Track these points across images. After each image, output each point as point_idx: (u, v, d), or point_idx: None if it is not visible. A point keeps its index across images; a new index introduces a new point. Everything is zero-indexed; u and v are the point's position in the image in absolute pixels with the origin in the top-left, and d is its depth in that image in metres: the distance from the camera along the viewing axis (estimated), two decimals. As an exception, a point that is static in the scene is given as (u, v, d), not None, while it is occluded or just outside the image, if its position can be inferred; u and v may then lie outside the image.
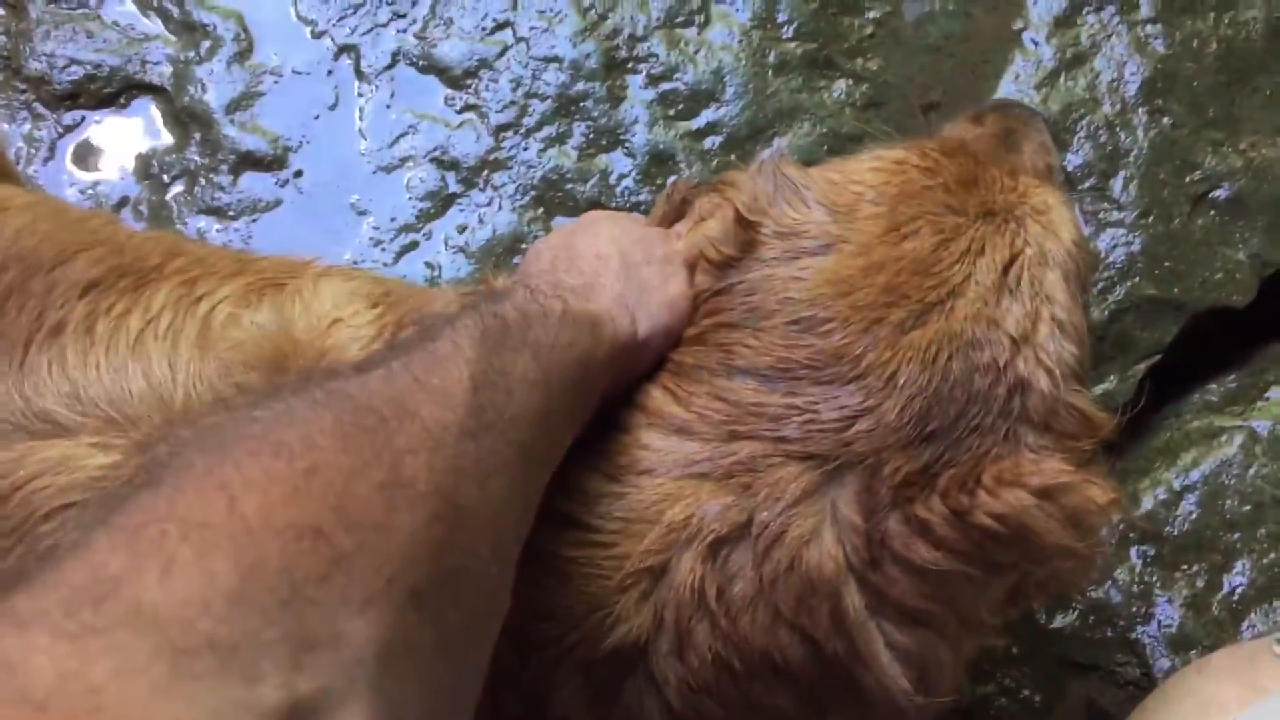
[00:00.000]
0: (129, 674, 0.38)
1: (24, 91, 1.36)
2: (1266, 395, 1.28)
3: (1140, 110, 1.36)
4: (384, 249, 1.33)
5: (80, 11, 1.39)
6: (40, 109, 1.36)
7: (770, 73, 1.39)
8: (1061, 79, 1.38)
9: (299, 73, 1.39)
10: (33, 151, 1.34)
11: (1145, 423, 1.28)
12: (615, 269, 0.77)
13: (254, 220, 1.33)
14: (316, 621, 0.44)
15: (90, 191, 1.33)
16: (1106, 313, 1.28)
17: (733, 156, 1.36)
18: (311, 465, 0.47)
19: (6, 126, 1.32)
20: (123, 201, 1.33)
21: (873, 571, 0.69)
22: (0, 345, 0.72)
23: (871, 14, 1.42)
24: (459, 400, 0.56)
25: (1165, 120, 1.36)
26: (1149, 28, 1.39)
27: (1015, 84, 1.39)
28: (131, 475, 0.55)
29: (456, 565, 0.52)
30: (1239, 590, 1.20)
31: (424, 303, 0.83)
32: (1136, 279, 1.30)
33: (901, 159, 0.80)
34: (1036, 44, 1.40)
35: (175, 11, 1.39)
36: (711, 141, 1.37)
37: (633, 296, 0.76)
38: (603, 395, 0.73)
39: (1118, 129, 1.35)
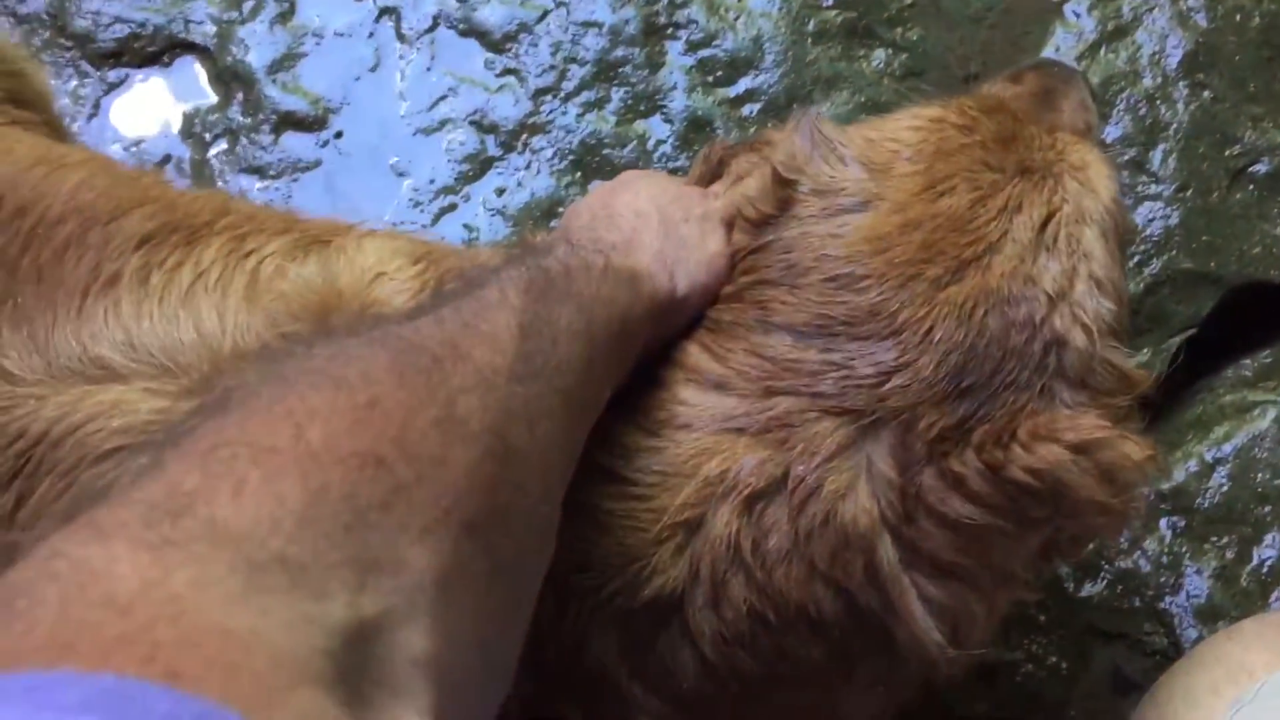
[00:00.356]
0: (207, 584, 0.40)
1: (69, 49, 1.38)
2: (1301, 370, 1.28)
3: (1181, 84, 1.36)
4: (423, 210, 1.34)
5: (125, -29, 1.40)
6: (85, 67, 1.38)
7: (809, 41, 1.39)
8: (1102, 51, 1.38)
9: (340, 34, 1.40)
10: (78, 109, 1.36)
11: (1178, 396, 1.28)
12: (654, 226, 0.78)
13: (294, 180, 1.35)
14: (379, 546, 0.45)
15: (133, 149, 1.35)
16: (1142, 286, 1.28)
17: (771, 124, 1.36)
18: (371, 399, 0.49)
19: (53, 84, 1.34)
20: (165, 159, 1.35)
21: (907, 525, 0.70)
22: (59, 293, 0.74)
23: (912, -16, 1.41)
24: (508, 346, 0.58)
25: (1206, 94, 1.35)
26: (1191, 1, 1.38)
27: (1056, 55, 1.38)
28: (198, 406, 0.57)
29: (508, 500, 0.54)
30: (1268, 563, 1.20)
31: (465, 260, 0.85)
32: (1173, 252, 1.30)
33: (939, 116, 0.81)
34: (1078, 15, 1.39)
35: (219, -27, 1.41)
36: (750, 109, 1.38)
37: (671, 254, 0.77)
38: (641, 351, 0.74)
39: (1158, 102, 1.35)
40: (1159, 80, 1.36)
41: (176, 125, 1.36)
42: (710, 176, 0.89)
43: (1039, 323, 0.72)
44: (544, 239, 0.81)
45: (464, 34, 1.40)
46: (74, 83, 1.37)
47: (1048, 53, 1.38)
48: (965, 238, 0.73)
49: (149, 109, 1.37)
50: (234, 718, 0.35)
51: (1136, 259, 1.29)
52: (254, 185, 1.34)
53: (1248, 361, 1.29)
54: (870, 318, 0.71)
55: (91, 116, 1.36)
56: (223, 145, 1.36)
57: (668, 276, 0.75)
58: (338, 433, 0.47)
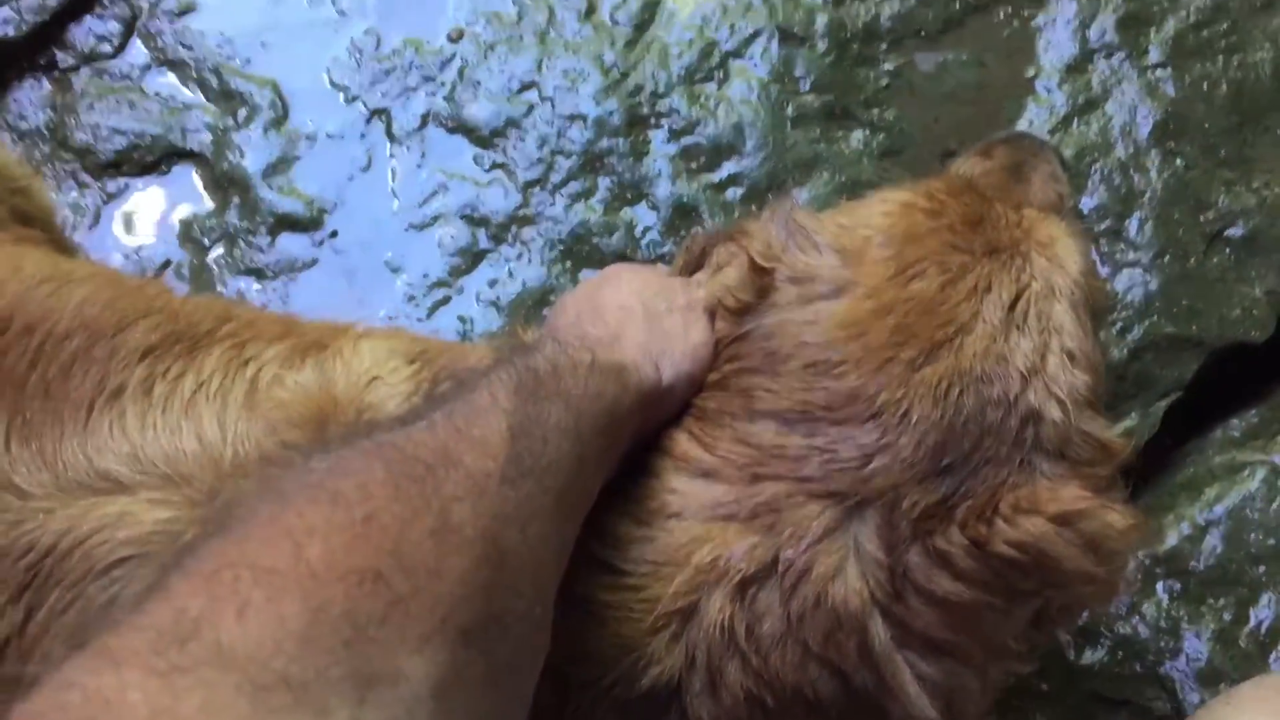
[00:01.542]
0: (215, 709, 0.42)
1: (70, 161, 1.42)
2: (1287, 428, 1.29)
3: (1153, 152, 1.39)
4: (417, 304, 1.37)
5: (123, 83, 1.45)
6: (85, 178, 1.42)
7: (789, 125, 1.43)
8: (1075, 124, 1.42)
9: (333, 136, 1.44)
10: (79, 219, 1.40)
11: (1168, 459, 1.30)
12: (639, 319, 0.81)
13: (291, 280, 1.38)
14: (378, 659, 0.47)
15: (134, 256, 1.39)
16: (1126, 352, 1.30)
17: (754, 207, 1.40)
18: (368, 513, 0.51)
19: (54, 196, 1.38)
20: (165, 265, 1.38)
21: (897, 604, 0.71)
22: (66, 408, 0.76)
23: (886, 65, 1.46)
24: (498, 449, 0.60)
25: (1178, 161, 1.39)
26: (1159, 72, 1.43)
27: (1029, 129, 1.42)
28: (201, 522, 0.58)
29: (502, 605, 0.55)
30: (1265, 623, 1.21)
31: (459, 358, 0.87)
32: (1155, 318, 1.32)
33: (908, 201, 0.83)
34: (1049, 90, 1.43)
35: (214, 81, 1.45)
36: (733, 193, 1.41)
37: (656, 345, 0.79)
38: (630, 441, 0.76)
39: (1131, 171, 1.38)
40: (1131, 150, 1.40)
41: (175, 231, 1.40)
42: (693, 265, 0.92)
43: (1014, 399, 0.74)
44: (533, 336, 0.83)
45: (453, 131, 1.45)
46: (74, 194, 1.41)
47: (1021, 127, 1.42)
48: (937, 320, 0.75)
49: (148, 216, 1.41)
50: None
51: (1119, 325, 1.31)
52: (252, 286, 1.37)
53: (1235, 422, 1.31)
54: (850, 402, 0.74)
55: (92, 226, 1.40)
56: (221, 249, 1.39)
57: (653, 367, 0.78)
58: (336, 550, 0.49)
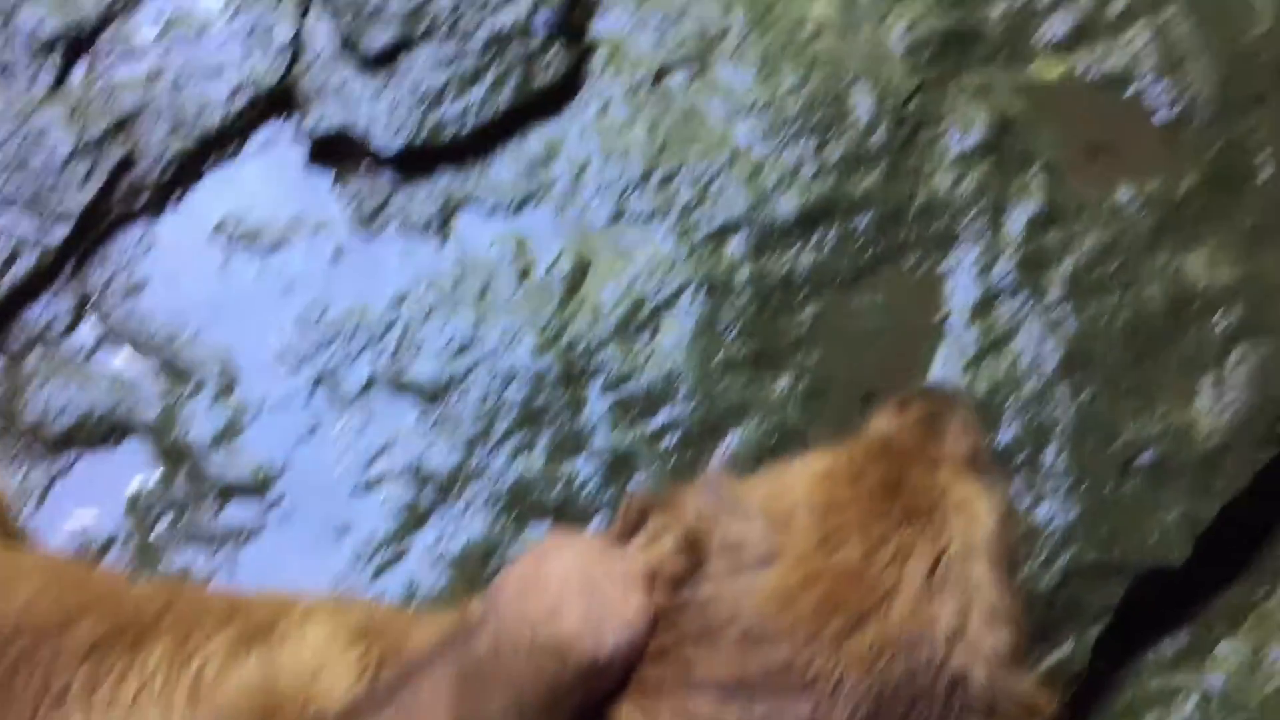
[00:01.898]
0: None
1: (18, 441, 1.44)
2: (1215, 651, 1.33)
3: (1061, 386, 1.48)
4: (364, 567, 1.39)
5: (74, 362, 1.50)
6: (35, 454, 1.44)
7: (718, 372, 1.50)
8: (985, 362, 1.50)
9: (278, 404, 1.49)
10: (25, 497, 1.41)
11: (1104, 684, 1.32)
12: (577, 592, 0.83)
13: (239, 547, 1.40)
14: None
15: (80, 531, 1.40)
16: (1053, 580, 1.35)
17: (689, 453, 1.45)
18: None
19: (2, 479, 1.40)
20: (110, 541, 1.39)
21: None
22: (11, 713, 0.77)
23: (807, 310, 1.55)
24: None
25: (1085, 394, 1.47)
26: (1059, 310, 1.53)
27: (943, 367, 1.50)
28: None
29: None
30: None
31: (403, 635, 0.89)
32: (1078, 545, 1.37)
33: (829, 469, 0.88)
34: (959, 331, 1.52)
35: (163, 355, 1.50)
36: (668, 440, 1.46)
37: (595, 617, 0.82)
38: (572, 715, 0.78)
39: (1043, 404, 1.46)
40: (1040, 385, 1.48)
41: (122, 505, 1.42)
42: (630, 530, 0.95)
43: (940, 663, 0.77)
44: (476, 609, 0.85)
45: (396, 390, 1.50)
46: (22, 471, 1.43)
47: (936, 365, 1.51)
48: (862, 588, 0.79)
49: (96, 491, 1.43)
50: None
51: (1045, 555, 1.36)
52: (199, 557, 1.38)
53: (1166, 643, 1.35)
54: (784, 673, 0.76)
55: (40, 503, 1.41)
56: (167, 521, 1.41)
57: (594, 640, 0.80)
58: None
